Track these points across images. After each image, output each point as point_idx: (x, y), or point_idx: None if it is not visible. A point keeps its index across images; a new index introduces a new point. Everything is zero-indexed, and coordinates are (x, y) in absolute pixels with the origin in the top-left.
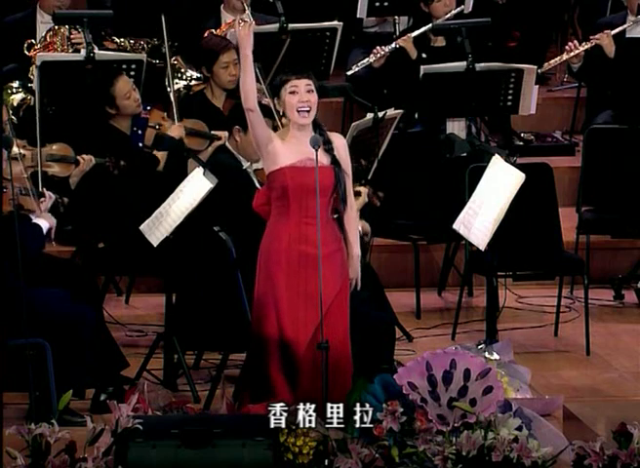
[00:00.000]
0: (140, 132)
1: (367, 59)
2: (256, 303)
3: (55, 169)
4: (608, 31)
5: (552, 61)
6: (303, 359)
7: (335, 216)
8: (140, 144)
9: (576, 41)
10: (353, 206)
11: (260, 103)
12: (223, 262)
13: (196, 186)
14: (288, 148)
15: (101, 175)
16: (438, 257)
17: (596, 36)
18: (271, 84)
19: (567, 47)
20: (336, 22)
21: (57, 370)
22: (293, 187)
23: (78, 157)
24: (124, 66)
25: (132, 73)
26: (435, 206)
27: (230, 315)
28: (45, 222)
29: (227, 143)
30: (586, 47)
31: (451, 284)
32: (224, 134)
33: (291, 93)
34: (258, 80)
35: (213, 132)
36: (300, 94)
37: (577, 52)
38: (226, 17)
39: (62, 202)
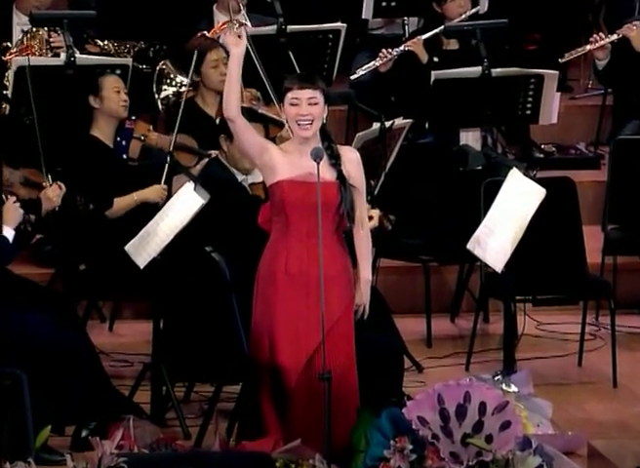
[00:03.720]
0: (124, 143)
1: (372, 63)
2: (252, 330)
3: (23, 192)
4: (637, 22)
5: (574, 51)
6: (297, 390)
7: (342, 234)
8: (125, 156)
9: (601, 33)
10: (365, 225)
11: (249, 109)
12: (216, 285)
13: (187, 203)
14: (288, 161)
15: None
16: (451, 280)
17: (622, 29)
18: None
19: (591, 39)
20: (339, 24)
21: (34, 403)
22: (290, 203)
23: (44, 183)
24: (107, 71)
25: None
26: (447, 224)
27: (224, 343)
28: (9, 230)
29: (219, 156)
30: (612, 38)
31: (465, 309)
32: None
33: (292, 104)
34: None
35: (203, 149)
36: (301, 106)
37: (602, 43)
38: (220, 17)
39: (29, 219)
